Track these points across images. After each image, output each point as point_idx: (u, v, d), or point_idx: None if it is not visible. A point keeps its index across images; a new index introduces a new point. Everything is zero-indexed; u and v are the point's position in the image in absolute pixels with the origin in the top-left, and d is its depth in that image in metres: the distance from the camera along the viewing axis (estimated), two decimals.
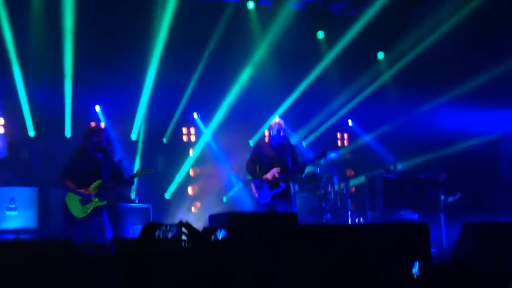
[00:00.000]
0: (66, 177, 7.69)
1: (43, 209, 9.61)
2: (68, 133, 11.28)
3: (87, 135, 7.86)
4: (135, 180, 9.07)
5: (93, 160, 7.70)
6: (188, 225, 3.25)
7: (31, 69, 10.83)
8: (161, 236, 3.22)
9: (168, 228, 3.24)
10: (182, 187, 12.48)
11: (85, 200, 7.61)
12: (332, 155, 10.44)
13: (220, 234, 3.34)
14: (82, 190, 7.59)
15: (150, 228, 3.26)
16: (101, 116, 11.61)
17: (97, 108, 11.63)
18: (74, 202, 7.62)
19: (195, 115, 12.69)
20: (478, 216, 9.05)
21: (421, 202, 9.84)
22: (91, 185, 7.64)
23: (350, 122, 13.58)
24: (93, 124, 8.80)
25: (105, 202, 7.70)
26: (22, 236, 8.80)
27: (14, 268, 5.03)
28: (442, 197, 9.76)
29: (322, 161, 10.54)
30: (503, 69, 11.18)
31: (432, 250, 7.29)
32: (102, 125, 11.42)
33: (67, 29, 10.81)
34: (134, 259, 3.20)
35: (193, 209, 12.39)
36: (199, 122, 12.73)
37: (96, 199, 7.63)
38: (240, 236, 3.42)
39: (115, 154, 8.36)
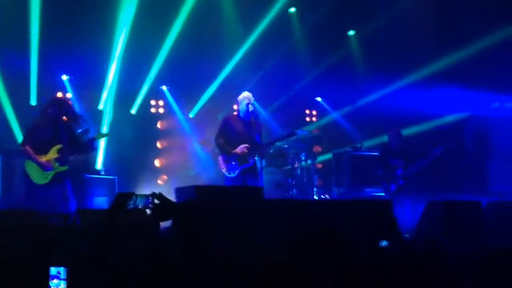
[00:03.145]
0: (26, 143, 7.59)
1: (7, 178, 9.47)
2: (33, 101, 11.09)
3: (48, 105, 7.75)
4: (96, 145, 8.99)
5: (52, 129, 7.60)
6: (160, 196, 3.24)
7: None
8: (132, 206, 3.20)
9: (139, 198, 3.22)
10: (149, 160, 12.42)
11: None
12: (298, 136, 10.44)
13: None
14: (41, 160, 7.46)
15: (122, 198, 3.24)
16: (68, 86, 11.44)
17: (64, 77, 11.46)
18: (34, 169, 7.50)
19: (163, 87, 12.58)
20: (443, 195, 9.21)
21: (387, 180, 9.94)
22: (51, 150, 7.53)
23: (319, 99, 13.63)
24: (57, 95, 8.66)
25: (66, 168, 7.60)
26: None
27: None
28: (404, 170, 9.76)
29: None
30: (471, 50, 11.31)
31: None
32: (69, 95, 11.30)
33: None
34: (104, 229, 3.18)
35: (159, 181, 12.36)
36: (168, 95, 12.63)
37: (57, 164, 7.52)
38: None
39: (81, 125, 8.25)
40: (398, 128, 10.12)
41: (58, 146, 7.58)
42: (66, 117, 7.69)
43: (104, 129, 11.58)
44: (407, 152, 9.83)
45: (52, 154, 7.53)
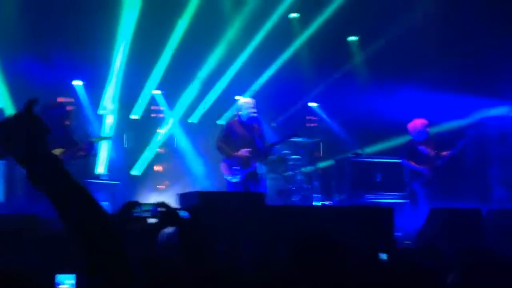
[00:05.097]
0: None
1: (10, 183, 9.47)
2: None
3: (47, 108, 7.73)
4: (96, 149, 8.96)
5: (51, 131, 7.55)
6: (164, 204, 3.27)
7: (2, 40, 10.61)
8: (137, 215, 3.22)
9: (145, 206, 3.24)
10: (150, 165, 12.42)
11: None
12: (300, 139, 10.42)
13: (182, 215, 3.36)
14: None
15: (128, 206, 3.27)
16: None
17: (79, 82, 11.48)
18: None
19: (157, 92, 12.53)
20: (445, 202, 9.19)
21: (388, 186, 9.92)
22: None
23: (314, 104, 13.60)
24: (58, 100, 8.62)
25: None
26: None
27: None
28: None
29: (291, 143, 10.60)
30: (475, 57, 11.31)
31: (397, 234, 7.43)
32: (70, 100, 11.31)
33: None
34: (111, 235, 3.20)
35: (161, 187, 12.35)
36: (163, 102, 12.58)
37: None
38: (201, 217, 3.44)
39: (82, 130, 8.25)
40: (420, 118, 9.54)
41: (60, 150, 7.55)
42: (65, 121, 7.66)
43: (106, 131, 11.59)
44: (434, 141, 9.56)
45: None
